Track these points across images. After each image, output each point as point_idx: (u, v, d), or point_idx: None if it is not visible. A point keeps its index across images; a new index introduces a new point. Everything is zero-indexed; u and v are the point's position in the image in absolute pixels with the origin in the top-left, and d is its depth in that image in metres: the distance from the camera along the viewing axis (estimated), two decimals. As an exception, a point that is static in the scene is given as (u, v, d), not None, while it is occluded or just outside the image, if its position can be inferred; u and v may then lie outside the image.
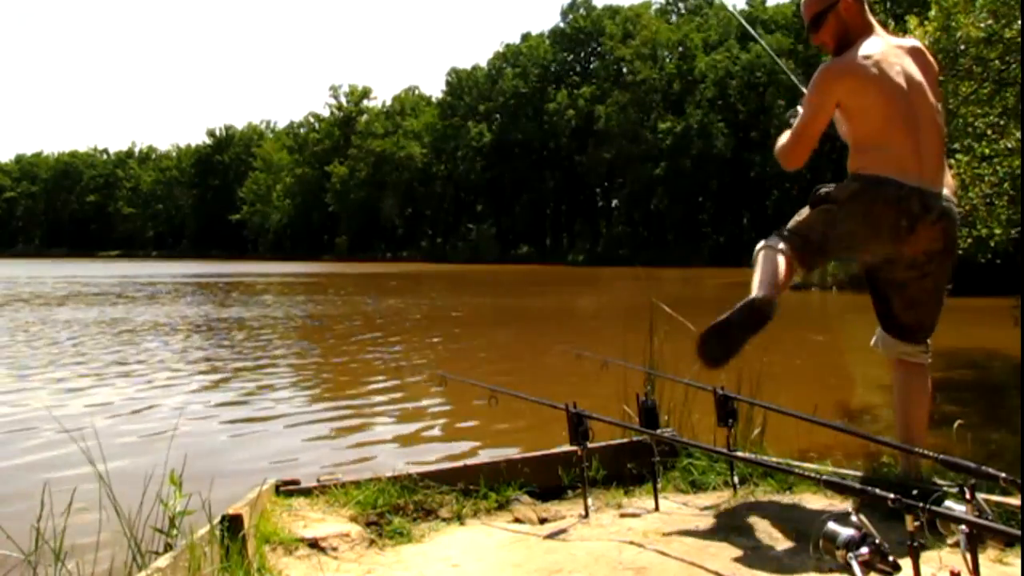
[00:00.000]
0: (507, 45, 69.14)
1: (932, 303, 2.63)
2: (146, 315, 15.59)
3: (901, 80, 2.48)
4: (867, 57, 2.50)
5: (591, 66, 64.03)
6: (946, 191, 2.48)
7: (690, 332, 4.44)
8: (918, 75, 2.52)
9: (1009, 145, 7.80)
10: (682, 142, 51.44)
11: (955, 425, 3.78)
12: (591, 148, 57.28)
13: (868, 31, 2.59)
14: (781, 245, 2.57)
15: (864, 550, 1.67)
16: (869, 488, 1.78)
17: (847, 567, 1.67)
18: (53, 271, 41.82)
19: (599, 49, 63.51)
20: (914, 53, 2.58)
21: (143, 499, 2.12)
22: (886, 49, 2.54)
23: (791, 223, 2.65)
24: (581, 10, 66.57)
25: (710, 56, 53.20)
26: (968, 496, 1.92)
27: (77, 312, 16.13)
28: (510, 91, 65.20)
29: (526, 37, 68.51)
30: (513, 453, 3.13)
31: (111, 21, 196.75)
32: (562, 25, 67.26)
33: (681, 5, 62.73)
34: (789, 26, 51.13)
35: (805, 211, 2.63)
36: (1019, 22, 7.21)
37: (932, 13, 8.07)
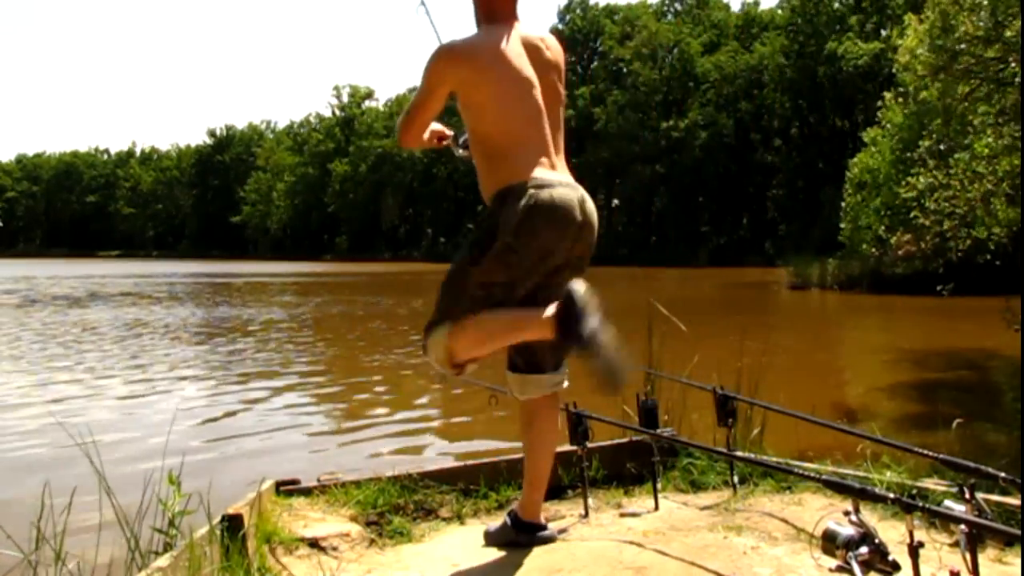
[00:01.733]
0: (506, 45, 69.23)
1: None
2: (164, 315, 15.59)
3: (528, 72, 2.24)
4: (488, 45, 2.24)
5: (591, 66, 64.08)
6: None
7: (691, 331, 4.45)
8: (545, 68, 2.30)
9: (1007, 143, 7.82)
10: (681, 143, 51.45)
11: (954, 424, 3.77)
12: (590, 148, 57.29)
13: (506, 17, 2.29)
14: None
15: (864, 550, 1.67)
16: (869, 488, 1.78)
17: (847, 567, 1.68)
18: (67, 271, 41.84)
19: (599, 49, 63.56)
20: (541, 44, 2.32)
21: (143, 499, 2.13)
22: (513, 37, 2.26)
23: (452, 307, 2.21)
24: (578, 10, 66.63)
25: (708, 56, 53.22)
26: (968, 496, 1.92)
27: (99, 312, 16.14)
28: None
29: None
30: (513, 453, 3.13)
31: (111, 21, 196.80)
32: (560, 26, 67.35)
33: (677, 5, 62.74)
34: (783, 27, 51.25)
35: (461, 284, 2.21)
36: (1018, 21, 7.21)
37: (929, 12, 8.09)
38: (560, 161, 2.28)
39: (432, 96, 2.29)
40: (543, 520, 2.44)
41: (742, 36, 54.63)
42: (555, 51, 2.36)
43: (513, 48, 2.25)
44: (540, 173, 2.18)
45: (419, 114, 2.32)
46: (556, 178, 2.21)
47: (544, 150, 2.24)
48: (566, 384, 2.37)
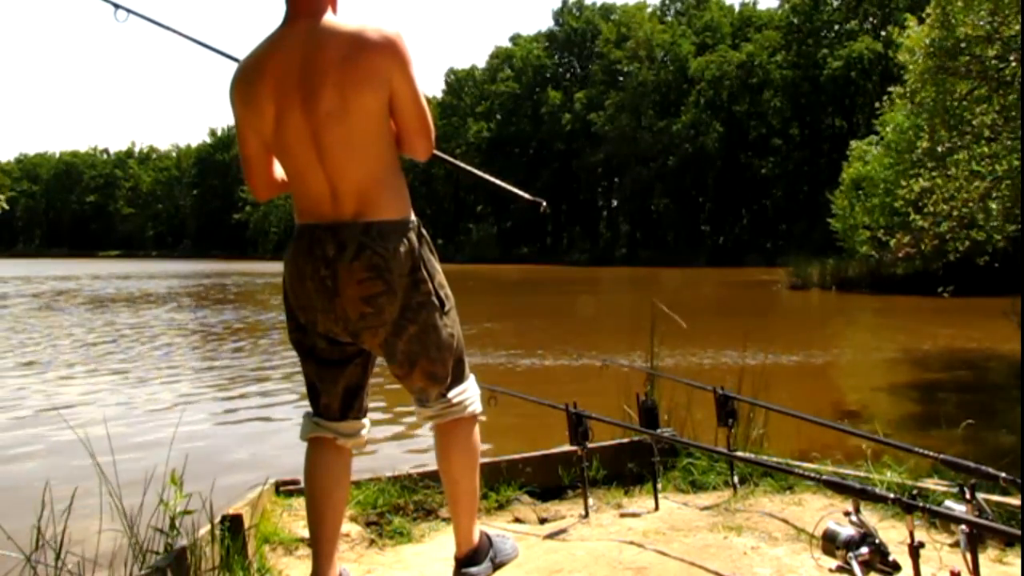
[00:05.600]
0: (501, 47, 69.39)
1: (424, 349, 1.94)
2: (177, 315, 15.59)
3: (295, 89, 1.80)
4: (262, 54, 1.87)
5: (588, 67, 64.08)
6: (373, 216, 1.82)
7: (692, 331, 4.45)
8: (339, 75, 1.77)
9: (1007, 143, 7.82)
10: (679, 142, 51.42)
11: (963, 425, 3.78)
12: (588, 149, 57.28)
13: (297, 11, 1.85)
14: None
15: (864, 550, 1.68)
16: (869, 488, 1.78)
17: (847, 567, 1.68)
18: (100, 269, 41.82)
19: (595, 50, 63.54)
20: (322, 45, 1.80)
21: (144, 499, 2.12)
22: (294, 38, 1.83)
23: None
24: (574, 11, 66.63)
25: (704, 57, 53.17)
26: (968, 496, 1.92)
27: (112, 312, 16.13)
28: (507, 92, 65.33)
29: (515, 39, 68.72)
30: (513, 453, 3.13)
31: (111, 21, 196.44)
32: (555, 28, 67.39)
33: (678, 5, 62.72)
34: (782, 27, 51.27)
35: None
36: (1018, 21, 7.21)
37: (929, 10, 8.09)
38: (346, 193, 1.83)
39: (238, 131, 1.93)
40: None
41: (736, 37, 54.59)
42: (345, 49, 1.80)
43: (288, 52, 1.83)
44: (306, 220, 1.89)
45: (244, 154, 1.95)
46: (315, 224, 1.86)
47: (320, 187, 1.85)
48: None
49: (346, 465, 2.02)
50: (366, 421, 2.04)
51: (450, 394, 2.00)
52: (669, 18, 61.52)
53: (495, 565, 2.14)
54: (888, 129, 18.72)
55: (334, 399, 1.97)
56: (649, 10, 62.17)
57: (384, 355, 1.94)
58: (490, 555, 2.13)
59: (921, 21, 8.67)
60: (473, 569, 2.07)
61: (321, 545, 1.94)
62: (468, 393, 2.04)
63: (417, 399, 2.03)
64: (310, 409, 2.01)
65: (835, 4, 48.86)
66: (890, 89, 9.87)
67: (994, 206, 7.84)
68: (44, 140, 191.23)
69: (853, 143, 23.13)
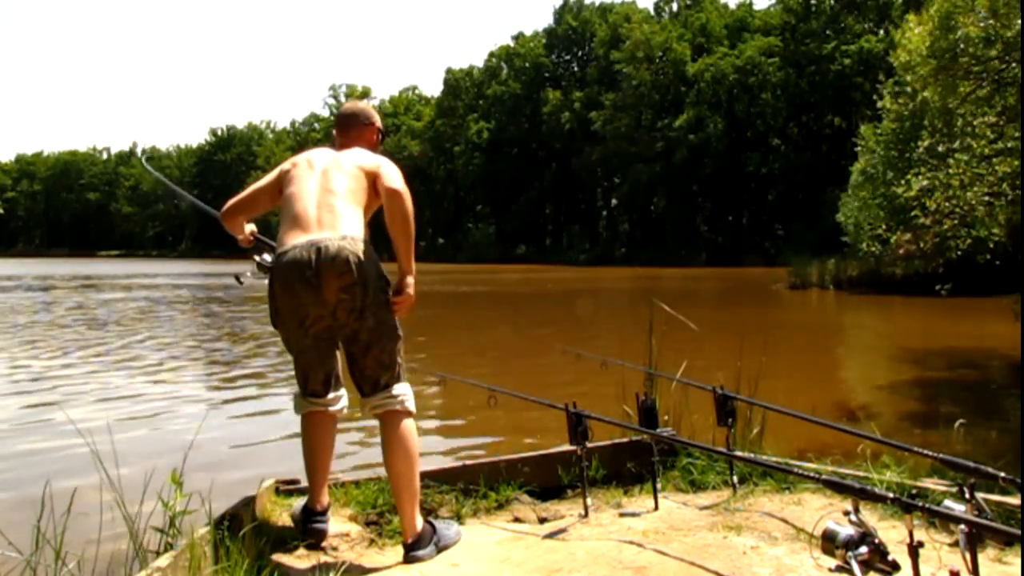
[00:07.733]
0: (500, 46, 69.32)
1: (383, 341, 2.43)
2: (177, 315, 15.59)
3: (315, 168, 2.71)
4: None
5: (587, 68, 64.05)
6: (347, 232, 2.45)
7: (691, 331, 4.45)
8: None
9: (1008, 145, 7.81)
10: (678, 143, 51.38)
11: (956, 425, 3.78)
12: (587, 149, 57.24)
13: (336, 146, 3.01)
14: None
15: (863, 549, 1.68)
16: (868, 488, 1.78)
17: (847, 567, 1.68)
18: (111, 270, 41.76)
19: (593, 51, 63.47)
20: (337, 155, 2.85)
21: (143, 499, 2.13)
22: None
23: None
24: (573, 10, 66.61)
25: (702, 59, 53.12)
26: (967, 496, 1.93)
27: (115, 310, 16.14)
28: (506, 91, 65.32)
29: (518, 37, 68.68)
30: (513, 453, 3.14)
31: (111, 21, 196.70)
32: (555, 26, 67.38)
33: (674, 5, 62.67)
34: (778, 28, 51.24)
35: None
36: (1019, 22, 7.21)
37: (933, 10, 8.07)
38: (325, 215, 2.49)
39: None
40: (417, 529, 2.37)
41: (732, 37, 54.55)
42: (348, 157, 2.78)
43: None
44: (290, 237, 2.48)
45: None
46: (297, 240, 2.42)
47: (306, 209, 2.53)
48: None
49: (334, 426, 2.52)
50: (343, 391, 2.51)
51: (394, 389, 2.41)
52: (665, 18, 61.46)
53: (439, 549, 2.38)
54: (884, 124, 18.66)
55: (320, 383, 2.44)
56: (649, 9, 62.10)
57: (352, 332, 2.37)
58: (434, 540, 2.39)
59: (921, 24, 8.66)
60: (419, 552, 2.33)
61: (317, 478, 2.46)
62: (407, 392, 2.45)
63: (361, 387, 2.42)
64: (299, 391, 2.48)
65: (831, 2, 48.78)
66: (884, 87, 9.84)
67: (998, 204, 7.83)
68: (44, 140, 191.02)
69: (863, 128, 22.95)
